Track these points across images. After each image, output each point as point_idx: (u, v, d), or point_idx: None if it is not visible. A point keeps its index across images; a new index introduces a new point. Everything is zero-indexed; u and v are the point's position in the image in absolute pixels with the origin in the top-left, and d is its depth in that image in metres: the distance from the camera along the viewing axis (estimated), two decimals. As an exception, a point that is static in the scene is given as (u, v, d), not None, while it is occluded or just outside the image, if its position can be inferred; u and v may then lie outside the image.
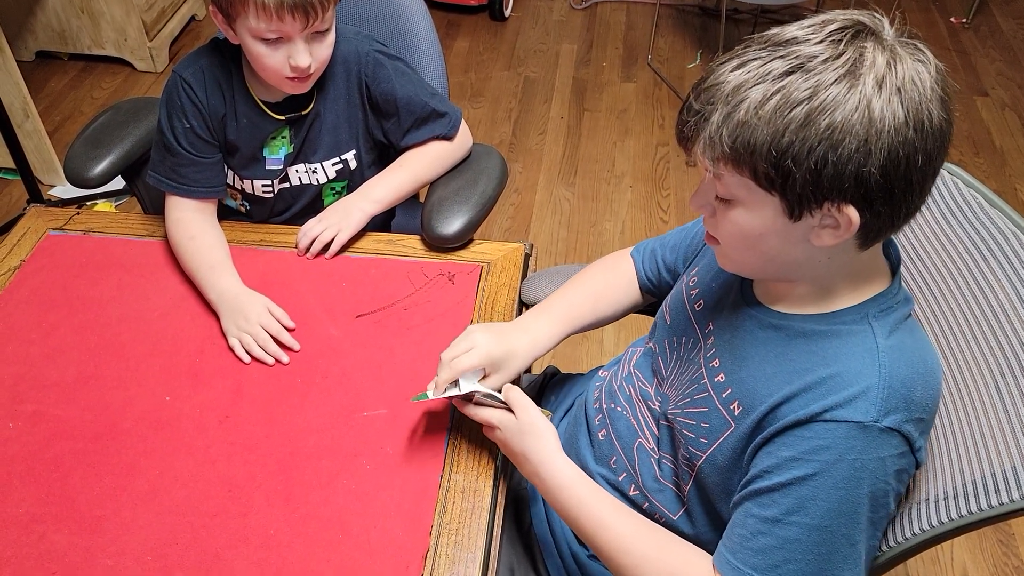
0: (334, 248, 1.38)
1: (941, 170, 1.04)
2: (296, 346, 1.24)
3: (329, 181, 1.45)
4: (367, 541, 1.03)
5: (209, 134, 1.35)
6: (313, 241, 1.37)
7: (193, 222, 1.36)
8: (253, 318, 1.23)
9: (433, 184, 1.50)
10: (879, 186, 0.74)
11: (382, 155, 1.51)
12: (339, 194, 1.49)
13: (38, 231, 1.43)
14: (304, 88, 1.29)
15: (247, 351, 1.22)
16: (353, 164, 1.45)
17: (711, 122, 0.77)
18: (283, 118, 1.35)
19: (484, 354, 1.05)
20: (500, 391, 1.05)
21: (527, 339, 1.12)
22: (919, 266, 1.05)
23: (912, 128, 0.73)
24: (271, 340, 1.23)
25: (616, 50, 3.51)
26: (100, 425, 1.15)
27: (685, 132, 0.81)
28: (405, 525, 1.04)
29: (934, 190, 1.05)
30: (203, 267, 1.31)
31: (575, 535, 1.10)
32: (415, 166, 1.45)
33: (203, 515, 1.05)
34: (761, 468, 0.85)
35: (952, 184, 1.04)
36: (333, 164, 1.43)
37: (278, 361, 1.22)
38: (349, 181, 1.48)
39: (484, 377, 1.07)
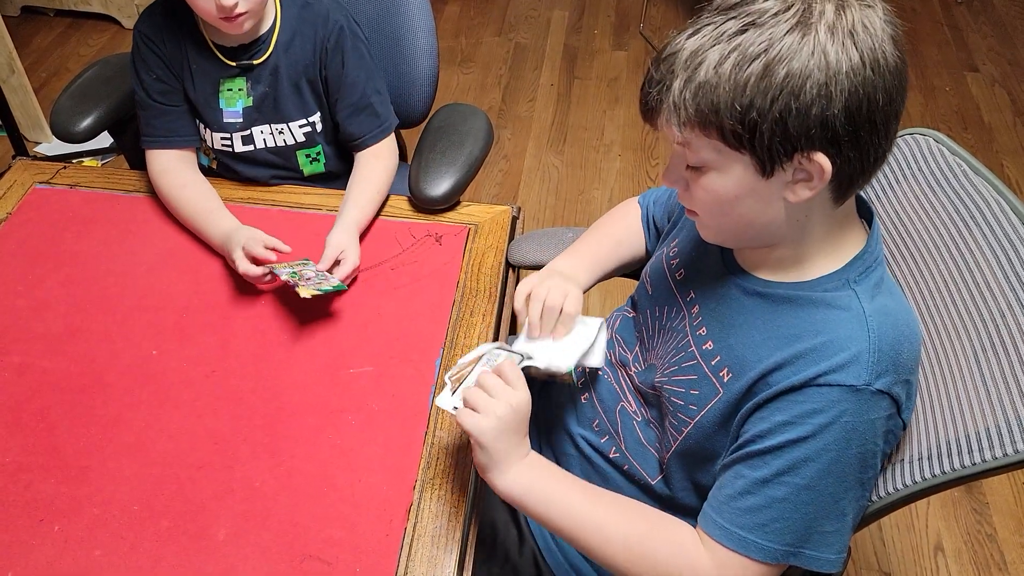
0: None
1: (927, 137, 1.06)
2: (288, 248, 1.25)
3: (299, 145, 1.44)
4: (351, 495, 1.04)
5: (173, 79, 1.35)
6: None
7: (179, 171, 1.36)
8: (250, 236, 1.25)
9: (419, 146, 1.49)
10: (844, 129, 0.76)
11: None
12: (316, 161, 1.48)
13: (24, 184, 1.43)
14: (237, 29, 1.26)
15: (256, 262, 1.23)
16: (320, 127, 1.44)
17: (673, 89, 0.79)
18: (234, 64, 1.34)
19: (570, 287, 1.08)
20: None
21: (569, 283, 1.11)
22: (903, 233, 1.07)
23: (869, 68, 0.75)
24: (264, 241, 1.23)
25: (608, 18, 3.49)
26: (86, 377, 1.15)
27: (649, 103, 0.83)
28: (389, 480, 1.06)
29: (918, 156, 1.06)
30: (201, 212, 1.32)
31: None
32: (364, 197, 1.39)
33: (189, 467, 1.06)
34: (754, 432, 0.86)
35: (937, 151, 1.04)
36: (300, 126, 1.42)
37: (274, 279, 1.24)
38: (322, 146, 1.47)
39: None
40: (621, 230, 1.25)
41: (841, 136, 0.76)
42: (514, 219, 1.42)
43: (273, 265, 1.22)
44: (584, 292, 1.14)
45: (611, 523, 0.90)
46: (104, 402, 1.12)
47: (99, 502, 1.02)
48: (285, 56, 1.36)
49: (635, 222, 1.25)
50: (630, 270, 1.27)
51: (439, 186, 1.40)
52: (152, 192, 1.42)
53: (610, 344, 1.14)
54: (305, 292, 1.16)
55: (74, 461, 1.06)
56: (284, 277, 1.19)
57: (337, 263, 1.26)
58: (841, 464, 0.82)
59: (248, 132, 1.40)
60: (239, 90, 1.37)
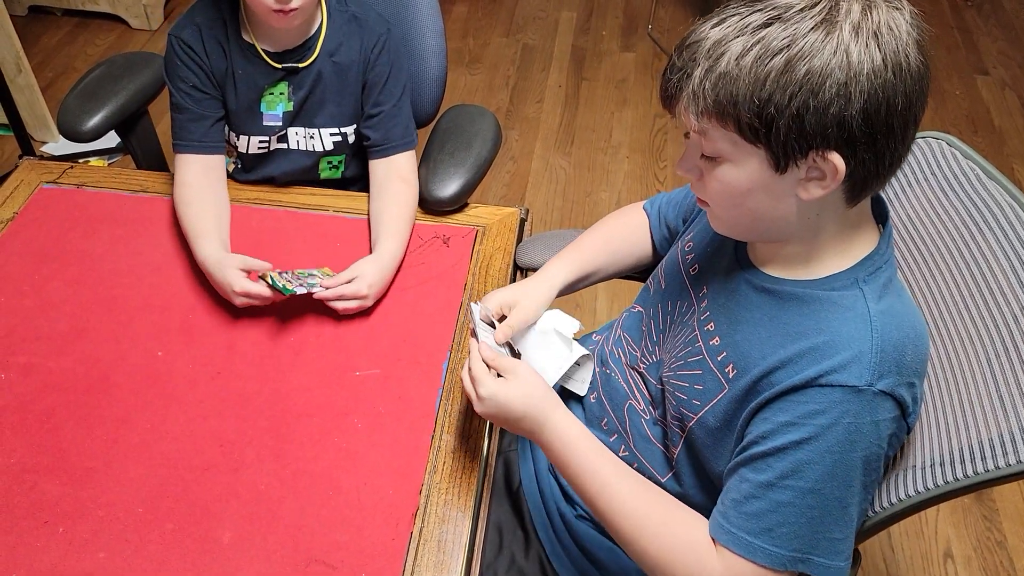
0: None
1: (940, 141, 1.05)
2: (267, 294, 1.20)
3: (326, 152, 1.44)
4: (357, 499, 1.03)
5: (213, 88, 1.34)
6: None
7: (192, 187, 1.34)
8: (229, 290, 1.20)
9: (427, 147, 1.49)
10: (861, 131, 0.75)
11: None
12: (335, 168, 1.48)
13: (31, 184, 1.42)
14: (288, 23, 1.26)
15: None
16: (352, 138, 1.44)
17: (693, 77, 0.79)
18: (280, 67, 1.34)
19: (497, 296, 1.10)
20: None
21: (536, 281, 1.14)
22: (915, 236, 1.06)
23: (891, 71, 0.74)
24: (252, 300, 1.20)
25: (616, 19, 3.48)
26: (92, 378, 1.14)
27: (669, 90, 0.83)
28: (395, 484, 1.05)
29: (932, 160, 1.05)
30: (190, 235, 1.29)
31: (563, 492, 1.11)
32: (399, 225, 1.34)
33: (194, 469, 1.05)
34: (757, 434, 0.85)
35: (950, 155, 1.03)
36: (331, 134, 1.41)
37: (272, 304, 1.22)
38: (347, 156, 1.47)
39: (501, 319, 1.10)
40: (614, 229, 1.25)
41: (857, 137, 0.76)
42: (522, 221, 1.42)
43: (269, 274, 1.19)
44: (564, 283, 1.15)
45: (632, 499, 0.91)
46: (110, 403, 1.12)
47: (104, 504, 1.02)
48: (330, 63, 1.35)
49: (634, 222, 1.25)
50: (630, 272, 1.27)
51: (447, 187, 1.40)
52: (159, 192, 1.42)
53: (618, 341, 1.13)
54: (280, 280, 1.16)
55: (79, 462, 1.05)
56: (271, 283, 1.16)
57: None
58: (845, 467, 0.81)
59: (284, 133, 1.40)
60: (280, 94, 1.36)
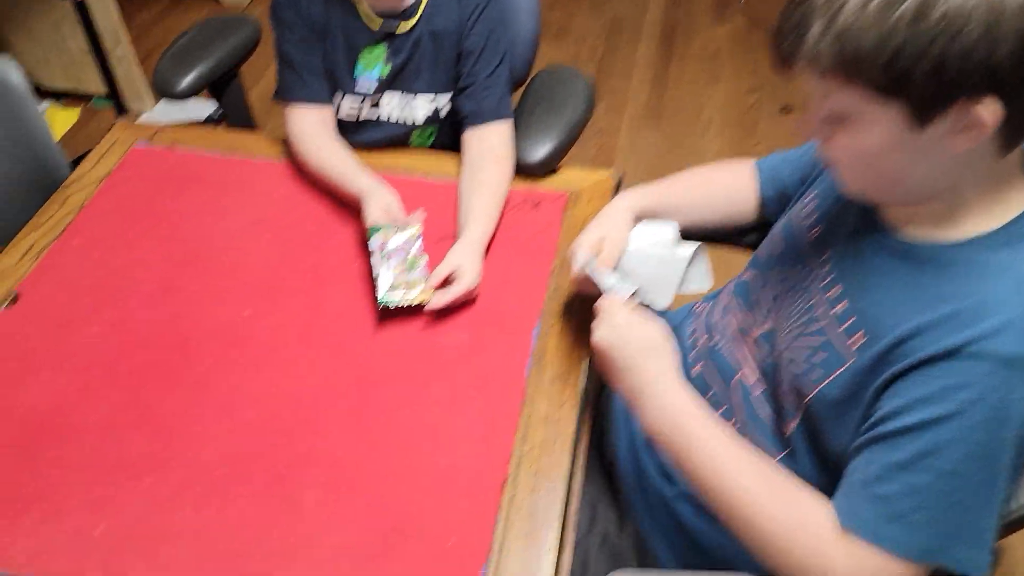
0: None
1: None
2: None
3: (417, 127, 1.41)
4: (440, 468, 1.00)
5: (318, 42, 1.33)
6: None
7: (315, 135, 1.34)
8: (369, 219, 1.21)
9: (518, 110, 1.43)
10: (1014, 74, 0.67)
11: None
12: (427, 138, 1.45)
13: (125, 143, 1.43)
14: None
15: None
16: (444, 112, 1.40)
17: (810, 36, 0.71)
18: (379, 30, 1.30)
19: (584, 243, 1.07)
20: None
21: (608, 209, 1.11)
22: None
23: None
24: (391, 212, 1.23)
25: (709, -9, 3.37)
26: (178, 336, 1.14)
27: (783, 51, 0.75)
28: (483, 453, 1.01)
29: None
30: (336, 174, 1.30)
31: (662, 469, 1.05)
32: (491, 211, 1.27)
33: (272, 432, 1.03)
34: (889, 409, 0.77)
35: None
36: (430, 100, 1.38)
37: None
38: (437, 129, 1.43)
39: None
40: (715, 173, 1.20)
41: (1011, 81, 0.67)
42: (617, 186, 1.35)
43: (380, 228, 1.18)
44: (644, 206, 1.12)
45: (747, 475, 0.84)
46: (194, 363, 1.11)
47: (184, 463, 1.00)
48: (429, 28, 1.32)
49: (740, 174, 1.18)
50: (722, 228, 1.19)
51: (537, 151, 1.35)
52: (251, 152, 1.41)
53: (726, 310, 1.06)
54: (382, 294, 1.13)
55: (162, 421, 1.04)
56: (373, 260, 1.16)
57: (448, 281, 1.16)
58: (993, 448, 0.73)
59: (377, 101, 1.38)
60: (378, 57, 1.33)
